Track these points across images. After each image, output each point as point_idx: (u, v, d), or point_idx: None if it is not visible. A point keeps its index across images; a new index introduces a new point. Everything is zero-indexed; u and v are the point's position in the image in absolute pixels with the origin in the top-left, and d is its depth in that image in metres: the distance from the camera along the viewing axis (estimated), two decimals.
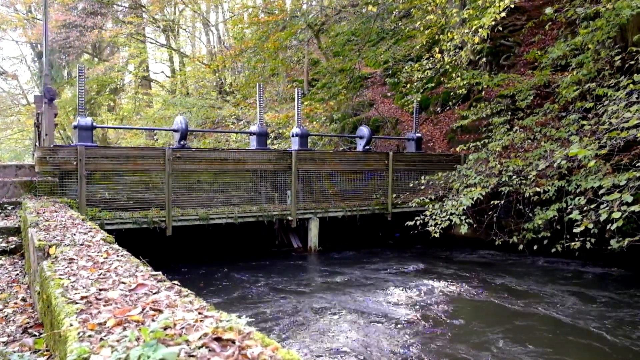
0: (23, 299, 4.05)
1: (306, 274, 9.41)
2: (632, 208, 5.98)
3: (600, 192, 7.00)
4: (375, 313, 6.82)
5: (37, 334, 3.08)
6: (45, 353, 2.60)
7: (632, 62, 9.09)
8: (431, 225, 10.03)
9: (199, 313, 1.80)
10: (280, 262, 10.28)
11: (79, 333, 1.61)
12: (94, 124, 10.03)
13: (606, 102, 8.37)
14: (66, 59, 29.46)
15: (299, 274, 9.21)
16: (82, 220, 5.22)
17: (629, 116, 6.65)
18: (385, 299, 7.49)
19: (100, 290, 2.26)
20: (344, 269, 9.53)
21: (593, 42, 10.39)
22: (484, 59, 14.86)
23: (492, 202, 10.11)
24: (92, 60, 33.01)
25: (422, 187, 11.63)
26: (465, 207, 9.74)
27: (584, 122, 9.03)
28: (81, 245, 3.66)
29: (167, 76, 37.92)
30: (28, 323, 3.37)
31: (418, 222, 10.23)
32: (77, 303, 2.03)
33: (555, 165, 8.59)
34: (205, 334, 1.48)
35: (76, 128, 9.69)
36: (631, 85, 7.82)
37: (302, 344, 5.71)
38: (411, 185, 12.13)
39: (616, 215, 6.00)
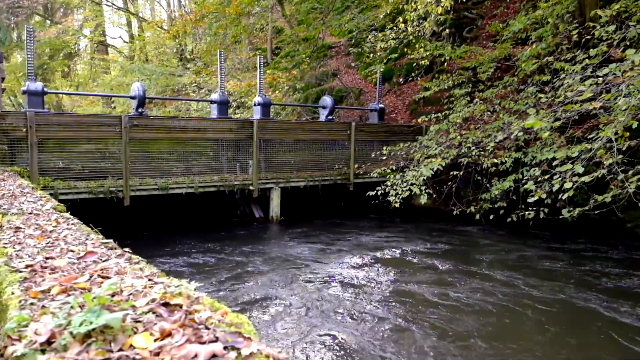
0: None
1: (266, 243, 9.42)
2: (583, 179, 6.20)
3: (554, 163, 7.23)
4: (331, 281, 6.91)
5: None
6: None
7: (589, 37, 9.28)
8: (392, 195, 10.18)
9: (149, 280, 1.76)
10: (241, 232, 10.24)
11: (20, 301, 1.54)
12: (45, 89, 9.58)
13: (563, 75, 8.57)
14: (14, 19, 27.84)
15: (259, 244, 9.21)
16: (32, 189, 5.02)
17: (583, 89, 6.83)
18: (342, 268, 7.60)
19: (47, 258, 2.18)
20: (304, 239, 9.58)
21: (553, 17, 10.55)
22: (447, 31, 14.89)
23: (451, 173, 10.31)
24: (44, 22, 31.35)
25: (384, 158, 11.73)
26: (425, 178, 9.91)
27: (541, 95, 9.25)
28: (29, 214, 3.53)
29: (125, 41, 36.50)
30: None
31: (379, 192, 10.35)
32: (21, 272, 1.95)
33: (512, 137, 8.79)
34: (153, 300, 1.44)
35: (25, 93, 9.24)
36: (587, 60, 8.00)
37: (255, 312, 5.74)
38: (373, 155, 12.20)
39: (567, 185, 6.22)
